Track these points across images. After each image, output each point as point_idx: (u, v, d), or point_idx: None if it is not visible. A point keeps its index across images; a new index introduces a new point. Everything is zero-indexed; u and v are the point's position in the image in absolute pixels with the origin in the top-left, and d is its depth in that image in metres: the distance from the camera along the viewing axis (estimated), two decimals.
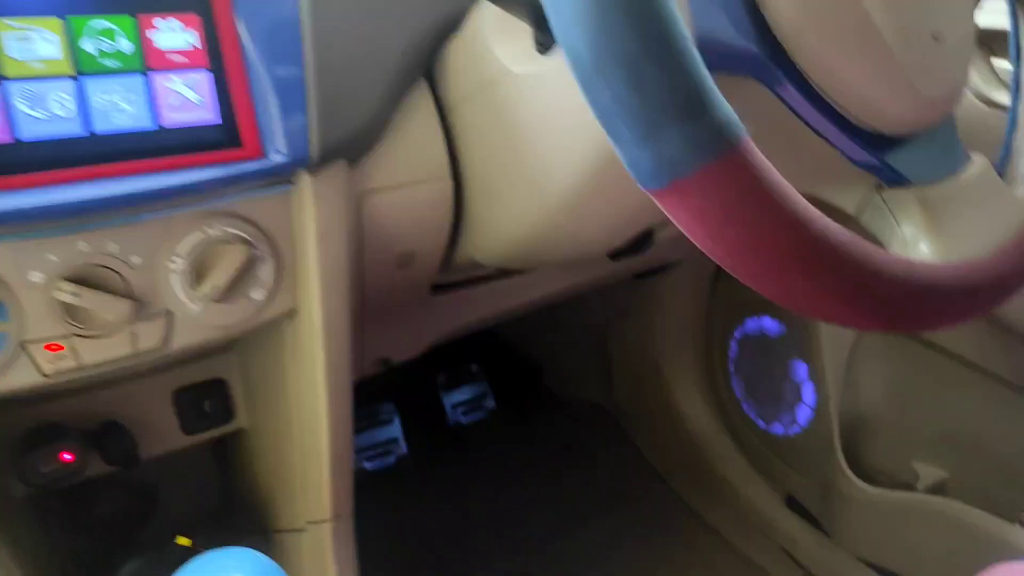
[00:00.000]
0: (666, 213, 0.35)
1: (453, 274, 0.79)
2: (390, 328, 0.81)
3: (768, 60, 0.44)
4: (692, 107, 0.31)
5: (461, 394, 1.26)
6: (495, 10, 0.59)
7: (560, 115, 0.55)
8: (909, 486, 1.03)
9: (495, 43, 0.58)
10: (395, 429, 1.17)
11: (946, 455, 1.01)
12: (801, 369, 1.07)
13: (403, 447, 1.17)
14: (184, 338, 0.56)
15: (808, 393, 1.07)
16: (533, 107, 0.57)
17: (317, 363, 0.60)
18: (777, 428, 1.14)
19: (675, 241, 0.82)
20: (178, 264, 0.53)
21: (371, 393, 1.20)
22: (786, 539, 1.17)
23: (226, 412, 0.73)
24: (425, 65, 0.64)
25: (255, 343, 0.68)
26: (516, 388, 1.31)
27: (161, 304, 0.54)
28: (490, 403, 1.28)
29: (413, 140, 0.63)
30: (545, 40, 0.55)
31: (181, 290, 0.54)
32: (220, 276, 0.54)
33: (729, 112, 0.32)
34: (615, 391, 1.35)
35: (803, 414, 1.09)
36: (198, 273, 0.54)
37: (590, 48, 0.31)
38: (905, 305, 0.38)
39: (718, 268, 1.20)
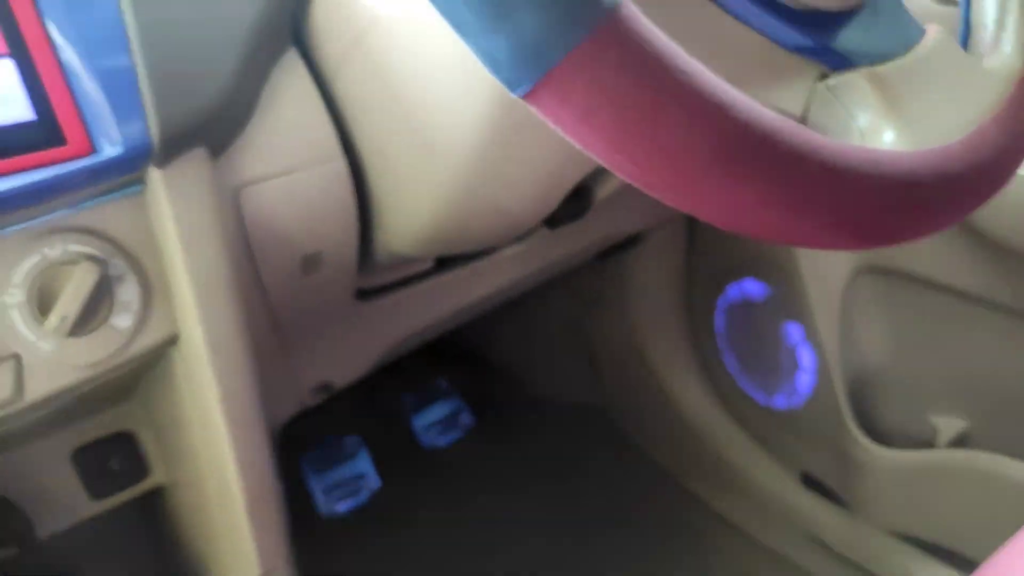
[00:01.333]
0: (548, 123, 0.26)
1: (379, 275, 0.69)
2: (322, 347, 0.72)
3: None
4: None
5: (432, 413, 1.16)
6: None
7: (441, 58, 0.47)
8: (929, 443, 0.94)
9: None
10: (363, 463, 1.07)
11: (964, 403, 0.92)
12: (795, 331, 0.98)
13: (375, 481, 1.07)
14: (42, 385, 0.46)
15: (806, 357, 0.98)
16: (411, 55, 0.48)
17: (210, 395, 0.51)
18: (779, 401, 1.05)
19: (625, 201, 0.73)
20: (15, 296, 0.44)
21: (330, 426, 1.10)
22: (808, 521, 1.07)
23: (138, 468, 0.63)
24: (290, 28, 0.55)
25: (155, 384, 0.58)
26: (493, 398, 1.21)
27: (4, 347, 0.44)
28: (466, 419, 1.18)
29: (289, 117, 0.54)
30: None
31: (24, 327, 0.45)
32: (69, 304, 0.44)
33: None
34: (601, 386, 1.26)
35: (804, 381, 0.99)
36: (43, 304, 0.45)
37: None
38: (875, 208, 0.29)
39: (690, 235, 1.12)
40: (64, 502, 0.60)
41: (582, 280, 1.16)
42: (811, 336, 0.97)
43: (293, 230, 0.56)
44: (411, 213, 0.57)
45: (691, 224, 1.11)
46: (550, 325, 1.22)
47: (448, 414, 1.17)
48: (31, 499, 0.58)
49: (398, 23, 0.48)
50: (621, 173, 0.27)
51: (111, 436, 0.61)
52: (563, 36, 0.24)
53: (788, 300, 0.98)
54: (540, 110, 0.26)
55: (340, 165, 0.56)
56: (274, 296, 0.59)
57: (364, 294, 0.70)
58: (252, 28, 0.51)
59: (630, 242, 1.02)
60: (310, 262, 0.59)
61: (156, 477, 0.63)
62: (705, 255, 1.09)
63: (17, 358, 0.45)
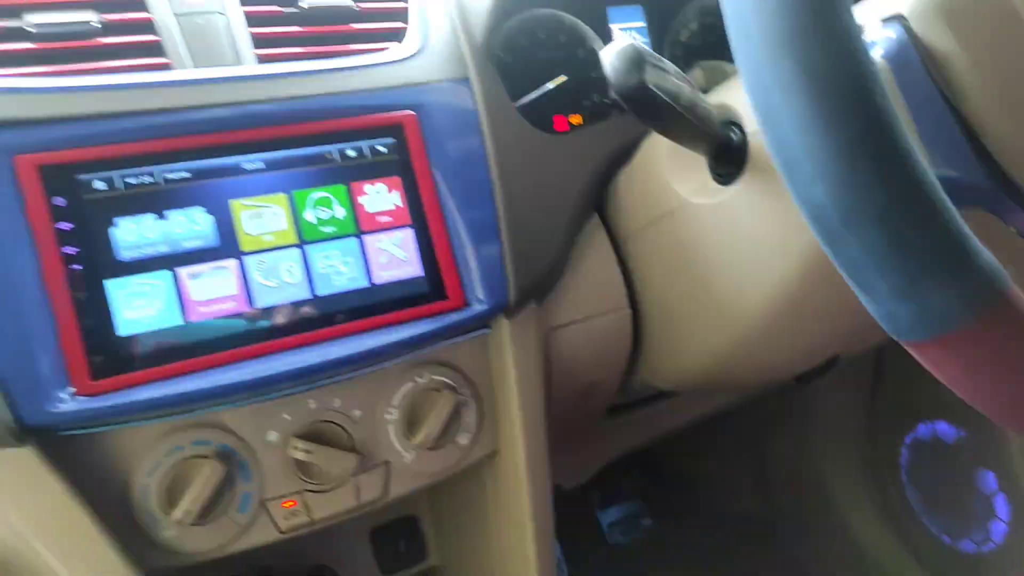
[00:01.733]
0: (924, 364, 0.34)
1: (626, 396, 0.78)
2: (564, 456, 0.80)
3: (996, 189, 0.42)
4: (954, 257, 0.30)
5: (617, 512, 1.22)
6: (665, 142, 0.60)
7: (747, 243, 0.55)
8: None
9: (670, 175, 0.59)
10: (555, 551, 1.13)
11: None
12: (989, 479, 0.99)
13: (564, 571, 1.13)
14: (400, 487, 0.57)
15: (1001, 506, 0.98)
16: (716, 236, 0.57)
17: (522, 503, 0.60)
18: (966, 545, 1.05)
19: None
20: (393, 415, 0.55)
21: None
22: None
23: (420, 551, 0.73)
24: (597, 199, 0.66)
25: (448, 481, 0.68)
26: (670, 504, 1.26)
27: (380, 455, 0.55)
28: (647, 521, 1.23)
29: (591, 274, 0.65)
30: (725, 172, 0.56)
31: (397, 440, 0.55)
32: (433, 425, 0.55)
33: (991, 259, 0.31)
34: (772, 504, 1.28)
35: (998, 530, 0.99)
36: (410, 422, 0.56)
37: (836, 204, 0.31)
38: None
39: (877, 367, 1.15)
40: (360, 574, 0.70)
41: (766, 399, 1.21)
42: (1008, 486, 0.97)
43: (580, 365, 0.66)
44: (680, 359, 0.66)
45: (880, 355, 1.14)
46: (727, 439, 1.27)
47: (631, 514, 1.23)
48: (339, 568, 0.68)
49: (709, 211, 0.57)
50: (987, 411, 0.34)
51: (401, 519, 0.71)
52: (963, 312, 0.31)
53: (984, 447, 0.99)
54: (919, 355, 0.33)
55: (626, 315, 0.66)
56: (553, 416, 0.69)
57: (611, 410, 0.78)
58: (577, 208, 0.62)
59: (827, 367, 1.06)
60: (587, 390, 0.68)
61: (432, 560, 0.73)
62: (895, 389, 1.12)
63: (387, 465, 0.56)
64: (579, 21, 0.74)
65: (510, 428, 0.59)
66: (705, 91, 0.62)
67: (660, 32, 0.78)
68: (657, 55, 0.45)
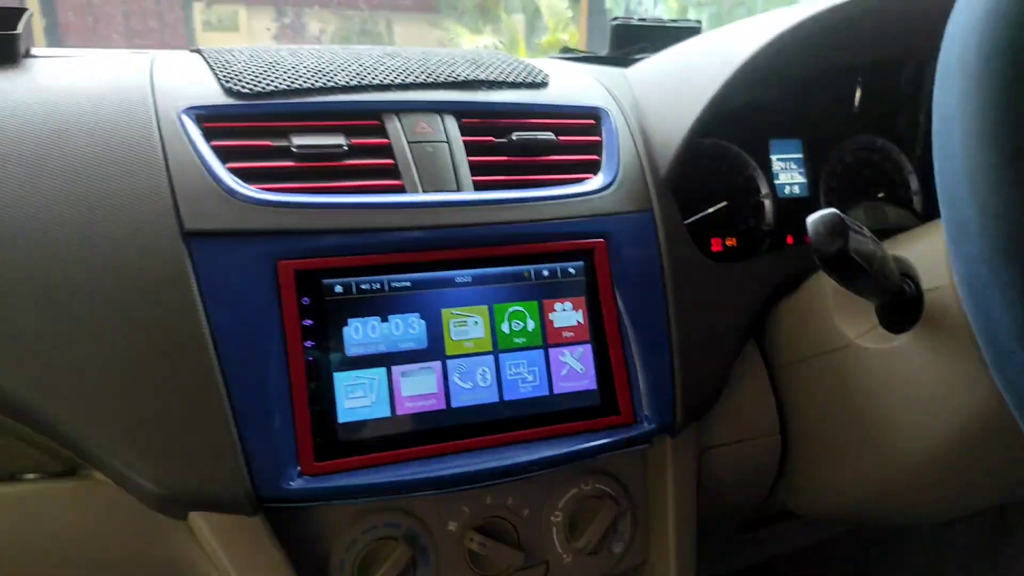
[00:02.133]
0: None
1: (759, 513, 0.80)
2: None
3: None
4: None
5: None
6: (832, 281, 0.64)
7: (914, 392, 0.57)
8: None
9: (836, 314, 0.63)
10: None
11: None
12: None
13: None
14: None
15: None
16: (881, 380, 0.60)
17: None
18: None
19: None
20: (558, 517, 0.59)
21: None
22: None
23: None
24: (755, 325, 0.69)
25: None
26: None
27: (542, 554, 0.59)
28: None
29: (745, 398, 0.68)
30: (896, 321, 0.59)
31: (559, 542, 0.59)
32: (595, 532, 0.59)
33: None
34: None
35: None
36: (572, 526, 0.60)
37: None
38: None
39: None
40: None
41: None
42: None
43: (728, 485, 0.68)
44: (826, 490, 0.68)
45: None
46: (847, 560, 1.25)
47: None
48: None
49: (876, 354, 0.59)
50: None
51: None
52: None
53: None
54: None
55: (776, 440, 0.68)
56: None
57: (742, 527, 0.80)
58: (740, 333, 0.66)
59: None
60: (727, 508, 0.71)
61: None
62: None
63: (546, 565, 0.60)
64: (742, 151, 0.79)
65: (662, 540, 0.62)
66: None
67: (817, 164, 0.82)
68: (856, 221, 0.49)
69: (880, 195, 0.84)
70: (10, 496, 0.54)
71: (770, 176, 0.80)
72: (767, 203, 0.79)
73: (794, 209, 0.80)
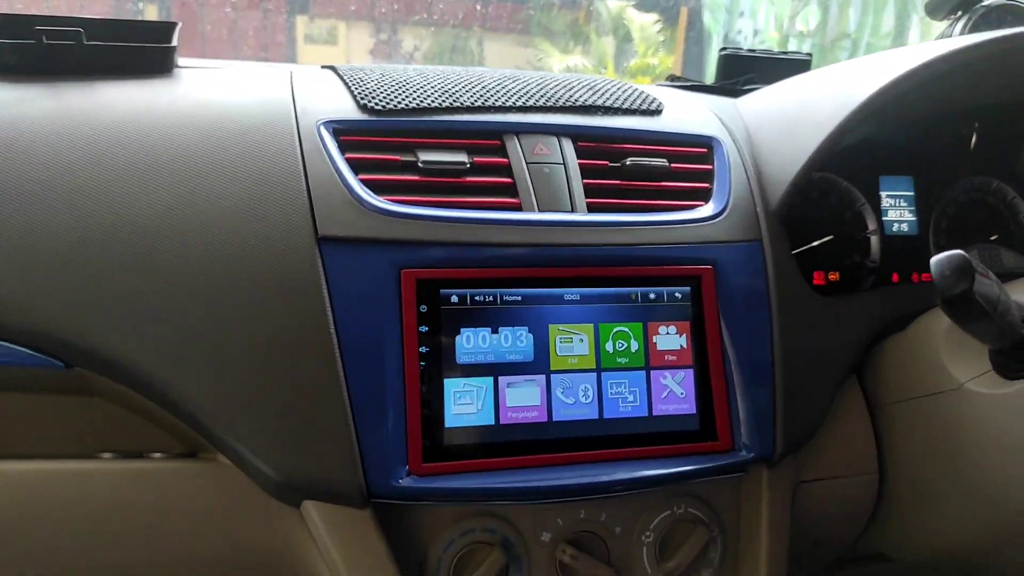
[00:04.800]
0: None
1: (849, 553, 0.78)
2: None
3: None
4: None
5: None
6: (944, 322, 0.62)
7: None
8: None
9: (947, 357, 0.61)
10: None
11: None
12: None
13: None
14: None
15: None
16: (993, 426, 0.58)
17: None
18: None
19: None
20: (650, 537, 0.60)
21: None
22: None
23: None
24: (858, 362, 0.69)
25: None
26: None
27: (630, 573, 0.60)
28: None
29: (845, 434, 0.67)
30: (1013, 367, 0.57)
31: (648, 562, 0.60)
32: (686, 555, 0.59)
33: None
34: None
35: None
36: (662, 547, 0.60)
37: None
38: None
39: None
40: None
41: None
42: None
43: (822, 521, 0.67)
44: (926, 534, 0.66)
45: None
46: None
47: None
48: None
49: (987, 399, 0.58)
50: None
51: None
52: None
53: None
54: None
55: (874, 479, 0.67)
56: None
57: (831, 565, 0.79)
58: (844, 368, 0.66)
59: None
60: (819, 544, 0.70)
61: None
62: None
63: None
64: (851, 186, 0.78)
65: (752, 571, 0.62)
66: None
67: (928, 203, 0.81)
68: (982, 264, 0.49)
69: (993, 237, 0.82)
70: (137, 472, 0.58)
71: (879, 212, 0.79)
72: (874, 239, 0.78)
73: (902, 247, 0.79)
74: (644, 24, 4.64)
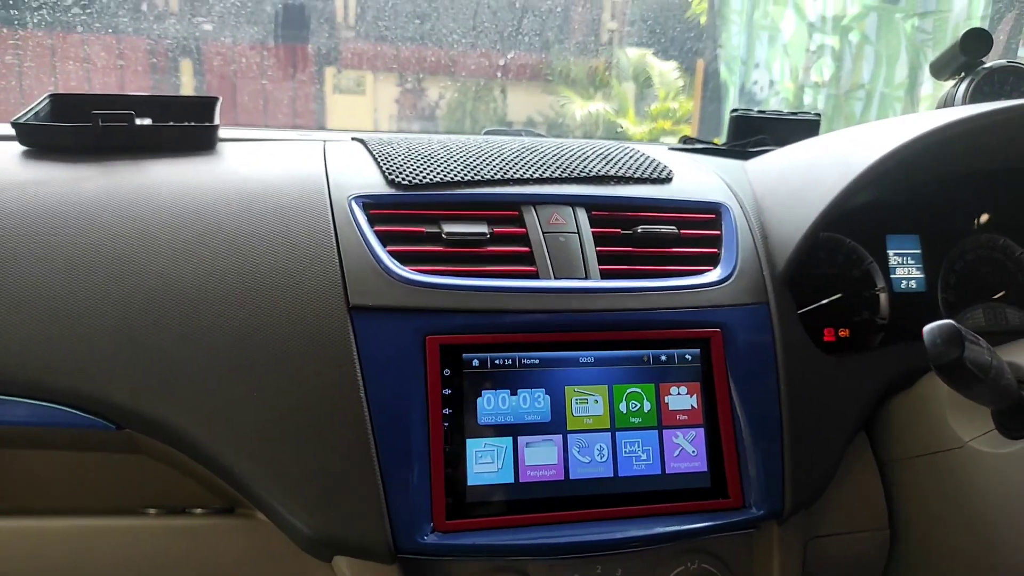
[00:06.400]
0: None
1: None
2: None
3: None
4: None
5: None
6: None
7: None
8: None
9: (951, 416, 0.63)
10: None
11: None
12: None
13: None
14: None
15: None
16: (997, 485, 0.60)
17: None
18: None
19: None
20: None
21: None
22: None
23: None
24: (867, 418, 0.71)
25: None
26: None
27: None
28: None
29: (855, 490, 0.69)
30: (1014, 427, 0.59)
31: None
32: None
33: None
34: None
35: None
36: None
37: None
38: None
39: None
40: None
41: None
42: None
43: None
44: None
45: None
46: None
47: None
48: None
49: (992, 459, 0.60)
50: None
51: None
52: None
53: None
54: None
55: (885, 535, 0.69)
56: None
57: None
58: (852, 425, 0.68)
59: None
60: None
61: None
62: None
63: None
64: (858, 244, 0.81)
65: None
66: (987, 333, 0.66)
67: (935, 261, 0.83)
68: (972, 332, 0.52)
69: (1001, 294, 0.84)
70: (180, 528, 0.62)
71: (886, 270, 0.81)
72: (882, 297, 0.80)
73: (910, 304, 0.81)
74: (663, 71, 4.72)
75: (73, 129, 0.70)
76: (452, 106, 4.62)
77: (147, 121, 0.74)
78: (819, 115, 1.04)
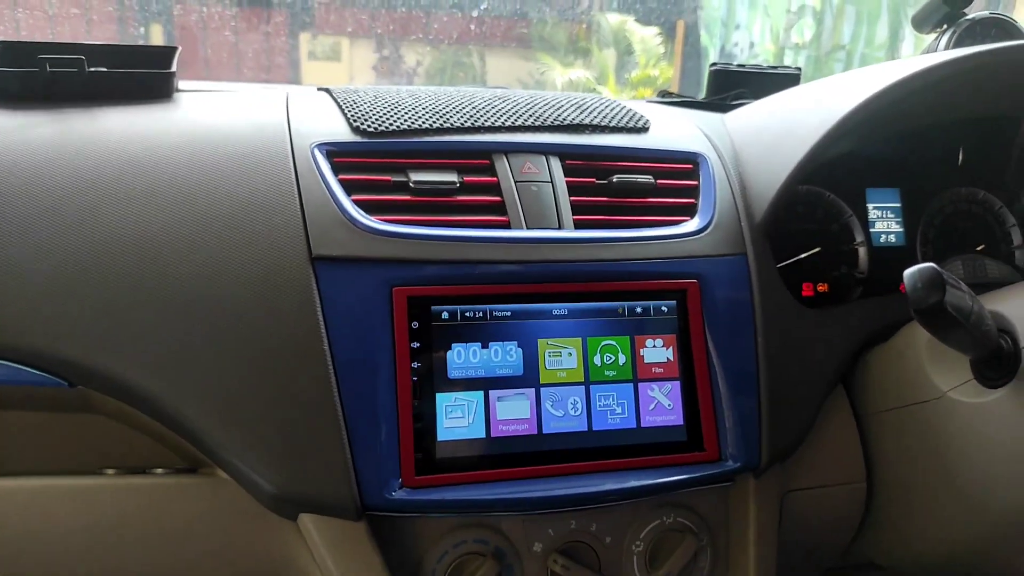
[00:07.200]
0: None
1: (840, 561, 0.79)
2: None
3: None
4: None
5: None
6: (926, 333, 0.64)
7: (1009, 446, 0.57)
8: None
9: (929, 367, 0.62)
10: None
11: None
12: None
13: None
14: None
15: None
16: (974, 434, 0.59)
17: None
18: None
19: None
20: (639, 547, 0.61)
21: None
22: None
23: None
24: (845, 372, 0.70)
25: None
26: None
27: None
28: None
29: (832, 443, 0.68)
30: (992, 376, 0.59)
31: (638, 571, 0.61)
32: (676, 564, 0.60)
33: None
34: None
35: None
36: (652, 556, 0.61)
37: None
38: None
39: None
40: None
41: None
42: None
43: (810, 529, 0.69)
44: (912, 541, 0.67)
45: None
46: None
47: None
48: None
49: (969, 408, 0.59)
50: None
51: None
52: None
53: None
54: None
55: (862, 487, 0.68)
56: None
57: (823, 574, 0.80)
58: (829, 378, 0.67)
59: None
60: (808, 553, 0.71)
61: None
62: None
63: None
64: (837, 198, 0.80)
65: None
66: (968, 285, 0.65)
67: (915, 215, 0.82)
68: (953, 276, 0.50)
69: (980, 248, 0.83)
70: (141, 487, 0.59)
71: (866, 224, 0.80)
72: (861, 251, 0.79)
73: (889, 258, 0.80)
74: (645, 37, 4.67)
75: (20, 75, 0.66)
76: (430, 73, 4.55)
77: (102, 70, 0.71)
78: (799, 69, 1.02)
